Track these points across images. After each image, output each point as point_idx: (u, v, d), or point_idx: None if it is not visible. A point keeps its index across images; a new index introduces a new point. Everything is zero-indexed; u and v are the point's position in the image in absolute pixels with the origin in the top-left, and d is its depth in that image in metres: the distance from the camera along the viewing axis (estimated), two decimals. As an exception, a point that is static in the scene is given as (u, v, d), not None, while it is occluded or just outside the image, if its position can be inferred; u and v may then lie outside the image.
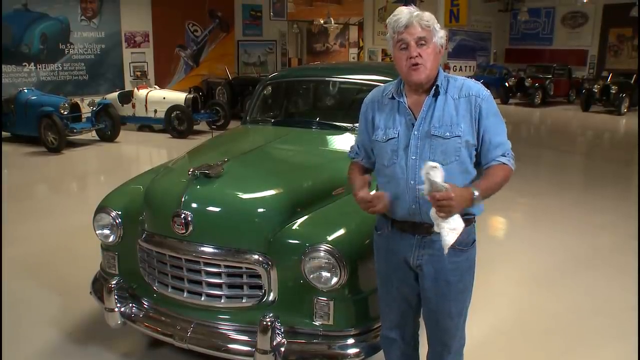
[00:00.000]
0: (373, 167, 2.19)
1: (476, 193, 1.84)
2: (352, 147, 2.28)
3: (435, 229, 1.83)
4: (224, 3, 15.47)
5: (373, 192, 2.02)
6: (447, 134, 1.91)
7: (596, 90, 15.53)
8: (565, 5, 20.31)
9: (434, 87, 1.96)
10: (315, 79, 4.35)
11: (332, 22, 20.42)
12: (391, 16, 1.94)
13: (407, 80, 1.97)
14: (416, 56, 1.89)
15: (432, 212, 1.80)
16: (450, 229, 1.79)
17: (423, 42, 1.90)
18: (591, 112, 15.68)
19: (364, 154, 2.20)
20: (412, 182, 1.93)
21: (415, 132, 1.94)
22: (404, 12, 1.91)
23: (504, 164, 1.96)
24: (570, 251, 4.72)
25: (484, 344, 3.14)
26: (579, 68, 19.23)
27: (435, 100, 1.96)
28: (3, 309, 3.45)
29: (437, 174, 1.74)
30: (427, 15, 1.92)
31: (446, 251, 1.82)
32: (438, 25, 1.94)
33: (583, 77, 18.66)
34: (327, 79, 4.23)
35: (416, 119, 1.96)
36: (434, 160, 1.89)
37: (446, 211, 1.75)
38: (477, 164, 2.01)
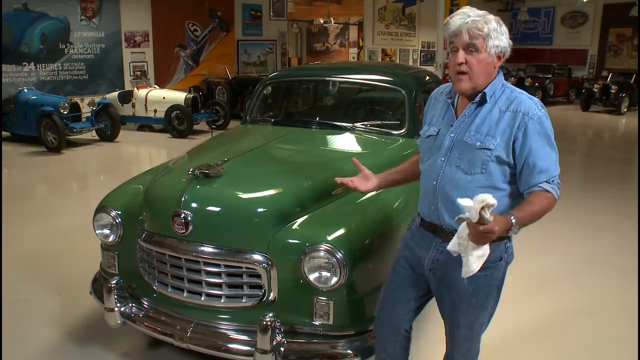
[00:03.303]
0: None
1: (514, 221, 1.70)
2: None
3: (454, 248, 1.72)
4: (224, 3, 15.46)
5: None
6: (478, 143, 1.84)
7: (596, 90, 15.53)
8: (565, 5, 20.30)
9: (481, 95, 1.88)
10: (315, 78, 4.35)
11: (332, 21, 20.38)
12: (448, 17, 1.88)
13: (453, 87, 1.94)
14: (461, 63, 1.83)
15: (463, 231, 1.67)
16: (479, 256, 1.69)
17: (473, 49, 1.82)
18: (591, 112, 15.68)
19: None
20: (434, 182, 1.92)
21: (451, 135, 1.92)
22: (455, 18, 1.84)
23: (546, 191, 1.81)
24: (570, 250, 4.71)
25: (482, 344, 3.14)
26: (578, 68, 19.23)
27: (481, 108, 1.88)
28: (3, 309, 3.45)
29: (488, 212, 1.59)
30: (482, 22, 1.81)
31: (466, 277, 1.72)
32: (497, 31, 1.83)
33: (583, 77, 18.67)
34: (327, 78, 4.23)
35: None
36: (458, 167, 1.87)
37: (482, 242, 1.64)
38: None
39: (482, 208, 1.57)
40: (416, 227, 2.08)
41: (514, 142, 1.82)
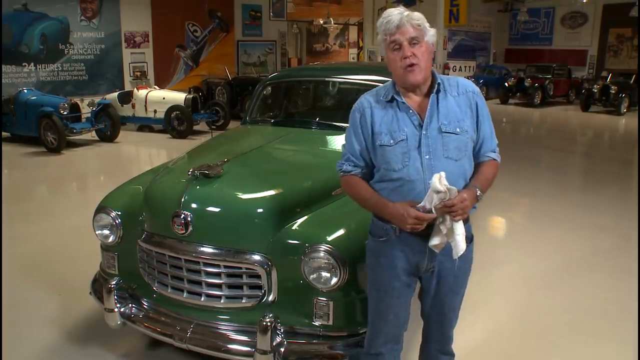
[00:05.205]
0: (370, 178, 2.10)
1: (479, 192, 1.93)
2: (344, 161, 2.11)
3: (441, 239, 1.87)
4: (223, 3, 15.48)
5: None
6: (458, 129, 1.94)
7: (596, 90, 15.53)
8: (565, 5, 20.31)
9: (437, 84, 1.97)
10: (315, 79, 4.35)
11: (332, 22, 20.41)
12: (381, 19, 1.94)
13: (404, 82, 1.96)
14: (410, 55, 1.89)
15: (440, 223, 1.84)
16: (462, 234, 1.85)
17: (415, 41, 1.90)
18: (591, 112, 15.68)
19: (364, 163, 2.06)
20: (429, 182, 1.89)
21: (425, 132, 1.93)
22: (393, 14, 1.91)
23: (494, 159, 2.07)
24: (570, 252, 4.71)
25: (482, 344, 3.15)
26: (578, 68, 19.24)
27: (438, 97, 1.97)
28: (3, 309, 3.45)
29: (446, 181, 1.80)
30: (417, 15, 1.93)
31: (458, 256, 1.89)
32: (427, 23, 1.95)
33: (583, 77, 18.67)
34: (326, 79, 4.24)
35: (422, 119, 1.94)
36: (447, 158, 1.92)
37: (462, 213, 1.82)
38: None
39: (441, 182, 1.78)
40: (396, 235, 1.99)
41: (475, 118, 2.01)
